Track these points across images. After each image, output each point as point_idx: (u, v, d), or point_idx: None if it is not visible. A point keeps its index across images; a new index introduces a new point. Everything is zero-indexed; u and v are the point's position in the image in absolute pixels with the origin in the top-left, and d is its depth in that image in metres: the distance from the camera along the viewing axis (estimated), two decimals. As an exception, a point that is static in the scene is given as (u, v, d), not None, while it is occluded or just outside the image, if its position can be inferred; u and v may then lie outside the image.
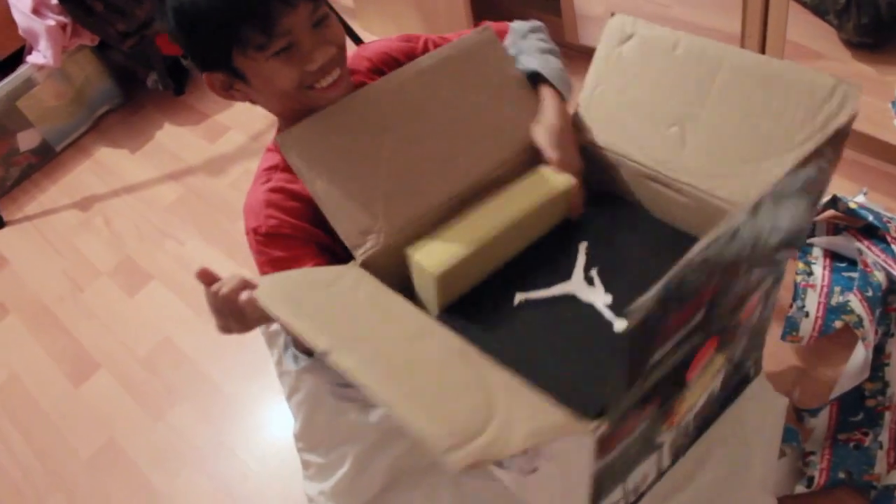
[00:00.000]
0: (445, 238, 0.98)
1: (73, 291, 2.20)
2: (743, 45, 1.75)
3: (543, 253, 1.05)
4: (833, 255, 1.57)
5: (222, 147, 2.51)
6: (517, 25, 1.22)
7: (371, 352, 0.77)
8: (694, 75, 1.00)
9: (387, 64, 1.18)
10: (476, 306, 1.00)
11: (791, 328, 1.45)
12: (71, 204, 2.53)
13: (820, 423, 1.36)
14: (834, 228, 1.61)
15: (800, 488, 1.29)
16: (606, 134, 1.10)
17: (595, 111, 1.11)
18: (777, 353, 1.45)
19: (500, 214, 1.00)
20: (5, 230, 2.53)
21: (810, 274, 1.55)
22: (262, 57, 0.95)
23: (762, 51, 1.72)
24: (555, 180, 1.03)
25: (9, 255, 2.43)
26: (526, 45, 1.17)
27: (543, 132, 1.07)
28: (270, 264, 1.05)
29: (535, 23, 1.23)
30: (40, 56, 2.47)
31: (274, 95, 1.04)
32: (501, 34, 1.20)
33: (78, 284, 2.22)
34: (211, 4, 0.91)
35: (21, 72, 2.55)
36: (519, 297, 0.99)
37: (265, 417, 1.76)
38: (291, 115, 1.05)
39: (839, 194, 1.58)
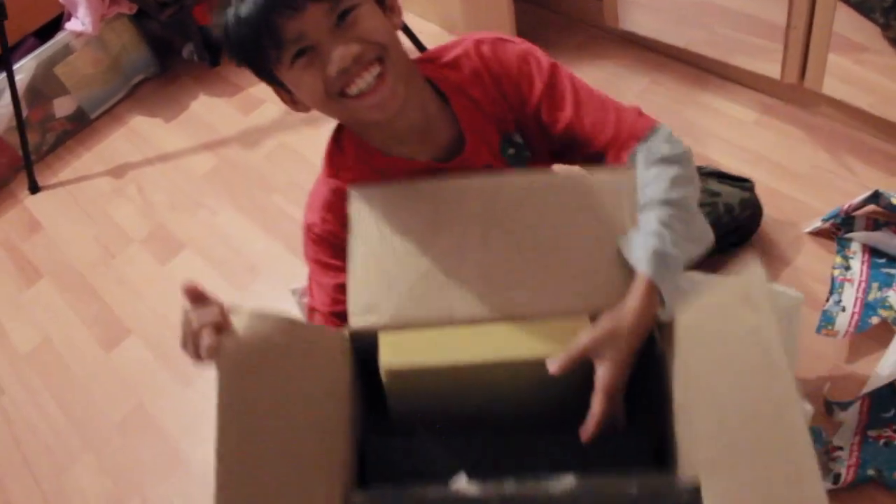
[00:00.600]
0: (429, 338, 0.93)
1: (106, 258, 2.22)
2: (787, 37, 1.72)
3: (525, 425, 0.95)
4: (872, 251, 1.55)
5: (257, 119, 2.51)
6: (648, 154, 1.01)
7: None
8: None
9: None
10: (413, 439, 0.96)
11: (827, 322, 1.44)
12: (105, 171, 2.55)
13: (850, 417, 1.35)
14: (874, 223, 1.59)
15: (826, 485, 1.29)
16: None
17: None
18: (812, 347, 1.44)
19: (494, 346, 0.92)
20: (40, 195, 2.56)
21: (848, 268, 1.54)
22: (284, 68, 0.92)
23: (807, 42, 1.70)
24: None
25: (43, 220, 2.46)
26: (651, 206, 0.97)
27: (589, 336, 0.90)
28: (315, 262, 1.10)
29: (677, 150, 1.02)
30: (78, 23, 2.48)
31: (316, 106, 0.99)
32: (629, 141, 1.02)
33: (110, 251, 2.24)
34: (235, 29, 0.90)
35: (59, 38, 2.57)
36: (457, 481, 0.88)
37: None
38: (352, 124, 1.06)
39: (881, 189, 1.56)
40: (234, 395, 0.79)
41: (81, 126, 2.74)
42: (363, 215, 1.00)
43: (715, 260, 1.50)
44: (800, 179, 1.77)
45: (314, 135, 2.29)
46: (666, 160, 1.00)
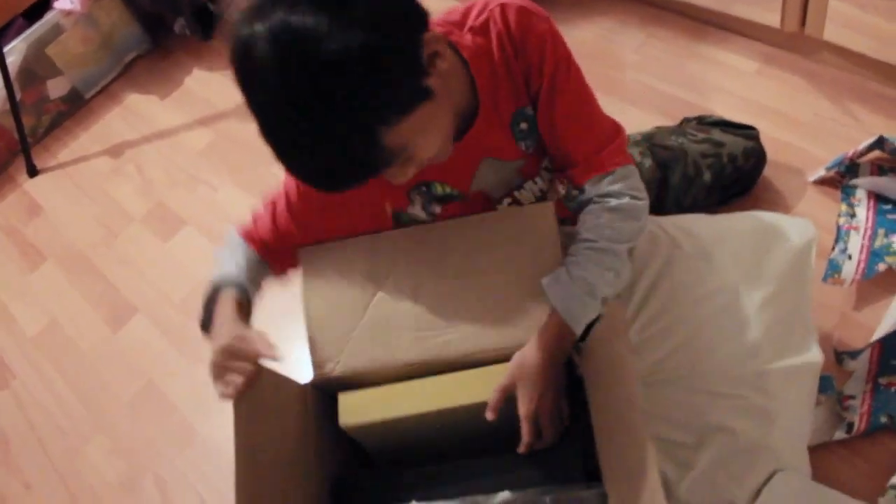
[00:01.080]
0: (379, 395, 1.09)
1: (108, 238, 2.22)
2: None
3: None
4: (877, 197, 1.54)
5: (252, 92, 2.48)
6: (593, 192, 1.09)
7: None
8: None
9: None
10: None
11: (833, 270, 1.43)
12: (102, 151, 2.53)
13: (860, 365, 1.34)
14: (879, 169, 1.58)
15: (839, 434, 1.29)
16: None
17: None
18: (819, 296, 1.42)
19: (444, 394, 1.07)
20: (38, 178, 2.55)
21: (853, 216, 1.52)
22: None
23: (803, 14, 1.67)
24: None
25: (43, 203, 2.45)
26: (585, 249, 1.06)
27: (506, 377, 1.03)
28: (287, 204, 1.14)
29: (631, 196, 1.08)
30: (67, 2, 2.45)
31: None
32: (595, 171, 1.08)
33: (112, 231, 2.23)
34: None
35: (48, 18, 2.54)
36: None
37: (307, 359, 1.78)
38: None
39: (886, 135, 1.53)
40: (244, 434, 0.98)
41: (76, 106, 2.72)
42: (312, 274, 1.15)
43: (717, 210, 1.49)
44: (803, 128, 1.75)
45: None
46: (614, 205, 1.07)
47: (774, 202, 1.63)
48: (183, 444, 1.73)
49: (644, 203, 1.09)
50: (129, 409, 1.83)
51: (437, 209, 1.15)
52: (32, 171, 2.54)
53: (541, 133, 1.09)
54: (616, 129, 1.11)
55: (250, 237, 1.16)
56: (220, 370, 0.96)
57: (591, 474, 1.02)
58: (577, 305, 1.02)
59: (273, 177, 2.10)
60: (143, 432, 1.79)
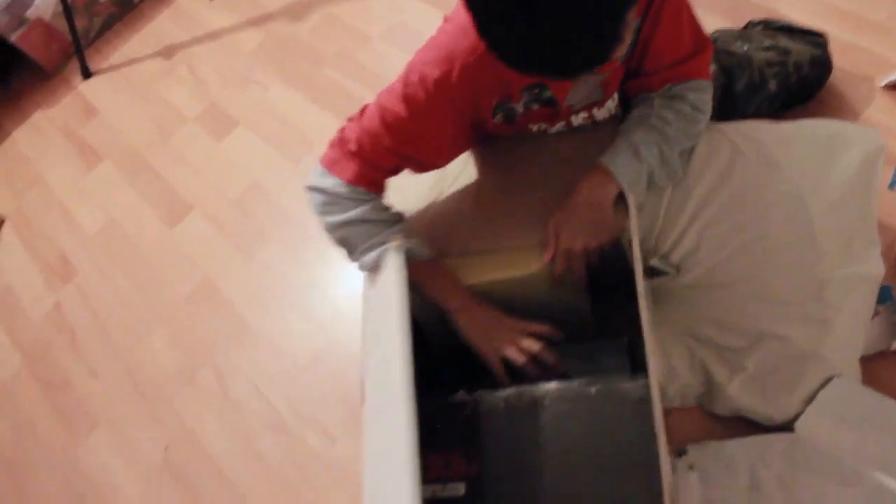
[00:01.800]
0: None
1: (162, 137, 2.24)
2: None
3: None
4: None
5: (301, -9, 2.45)
6: (663, 97, 1.14)
7: None
8: None
9: None
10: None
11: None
12: (154, 53, 2.54)
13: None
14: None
15: (896, 344, 1.26)
16: None
17: None
18: (883, 206, 1.37)
19: (500, 267, 1.17)
20: (92, 80, 2.57)
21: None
22: None
23: None
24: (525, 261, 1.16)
25: (98, 104, 2.48)
26: (633, 124, 1.14)
27: (551, 221, 1.15)
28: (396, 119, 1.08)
29: (702, 107, 1.14)
30: None
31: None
32: (678, 78, 1.13)
33: (166, 131, 2.25)
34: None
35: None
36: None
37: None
38: None
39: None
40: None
41: (127, 9, 2.71)
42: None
43: (781, 117, 1.43)
44: (875, 30, 1.65)
45: (360, 5, 2.22)
46: (677, 107, 1.12)
47: (841, 109, 1.56)
48: (239, 337, 1.78)
49: (704, 119, 1.14)
50: (187, 304, 1.88)
51: (535, 107, 1.15)
52: (86, 74, 2.56)
53: (638, 41, 1.08)
54: (706, 42, 1.11)
55: (364, 181, 1.13)
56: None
57: (637, 367, 1.04)
58: (621, 160, 1.11)
59: (322, 76, 2.11)
60: (201, 325, 1.84)
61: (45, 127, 2.52)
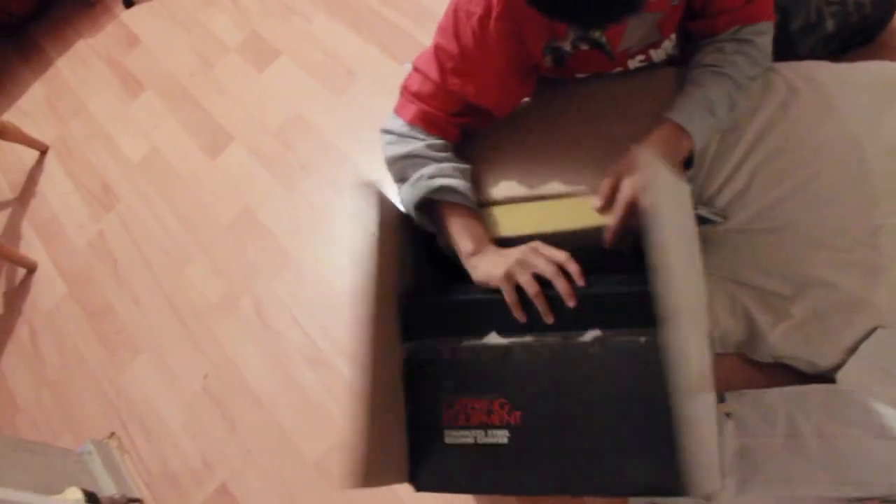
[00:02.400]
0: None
1: (204, 67, 2.22)
2: None
3: None
4: None
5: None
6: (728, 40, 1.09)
7: None
8: None
9: None
10: None
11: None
12: (195, -20, 2.50)
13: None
14: None
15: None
16: None
17: None
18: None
19: (554, 218, 1.09)
20: (134, 9, 2.55)
21: None
22: None
23: None
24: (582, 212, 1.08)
25: (140, 34, 2.46)
26: (706, 72, 1.09)
27: (615, 167, 1.05)
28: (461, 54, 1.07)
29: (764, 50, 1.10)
30: None
31: None
32: (742, 21, 1.08)
33: (208, 60, 2.23)
34: None
35: None
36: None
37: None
38: None
39: None
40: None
41: (170, -65, 2.66)
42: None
43: (838, 59, 1.36)
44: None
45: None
46: (744, 49, 1.07)
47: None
48: (279, 267, 1.78)
49: (767, 63, 1.11)
50: (228, 233, 1.88)
51: (584, 46, 1.10)
52: (128, 2, 2.54)
53: None
54: None
55: (423, 122, 1.14)
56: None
57: None
58: (697, 117, 1.04)
59: (365, 6, 2.06)
60: (241, 255, 1.84)
61: (87, 55, 2.51)
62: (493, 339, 1.03)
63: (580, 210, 1.08)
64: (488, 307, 1.05)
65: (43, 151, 2.36)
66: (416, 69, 1.14)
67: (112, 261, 2.03)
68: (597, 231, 1.05)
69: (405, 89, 1.15)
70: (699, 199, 1.20)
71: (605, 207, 1.04)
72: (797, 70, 1.20)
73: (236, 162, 1.99)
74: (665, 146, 1.04)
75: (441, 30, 1.08)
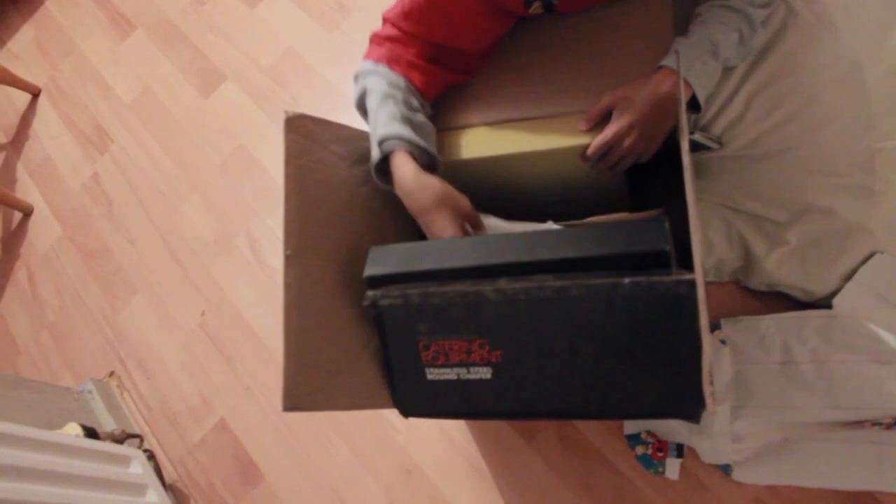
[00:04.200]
0: (475, 136, 1.12)
1: (195, 4, 2.18)
2: None
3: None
4: None
5: None
6: None
7: None
8: None
9: None
10: None
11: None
12: (185, -83, 2.44)
13: None
14: None
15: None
16: None
17: None
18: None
19: (542, 136, 1.07)
20: (124, -53, 2.49)
21: None
22: None
23: None
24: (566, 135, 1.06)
25: (130, -28, 2.41)
26: (714, 8, 1.04)
27: (609, 94, 1.02)
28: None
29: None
30: None
31: None
32: None
33: (199, -2, 2.19)
34: None
35: None
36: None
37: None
38: None
39: None
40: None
41: None
42: None
43: None
44: None
45: None
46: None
47: None
48: (273, 203, 1.77)
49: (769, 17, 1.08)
50: (221, 171, 1.87)
51: None
52: (118, -60, 2.48)
53: None
54: None
55: (389, 60, 1.10)
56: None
57: (683, 261, 0.93)
58: (698, 64, 1.00)
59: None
60: (235, 193, 1.82)
61: (77, -5, 2.47)
62: (464, 283, 0.96)
63: (563, 129, 1.06)
64: (456, 251, 0.98)
65: (35, 94, 2.33)
66: (384, 19, 1.11)
67: (107, 202, 2.01)
68: (577, 149, 1.05)
69: (374, 36, 1.12)
70: (695, 125, 1.17)
71: (592, 130, 1.03)
72: None
73: (229, 100, 1.96)
74: (661, 90, 0.99)
75: None
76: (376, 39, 1.11)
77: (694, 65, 1.00)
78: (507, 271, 0.94)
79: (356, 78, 1.11)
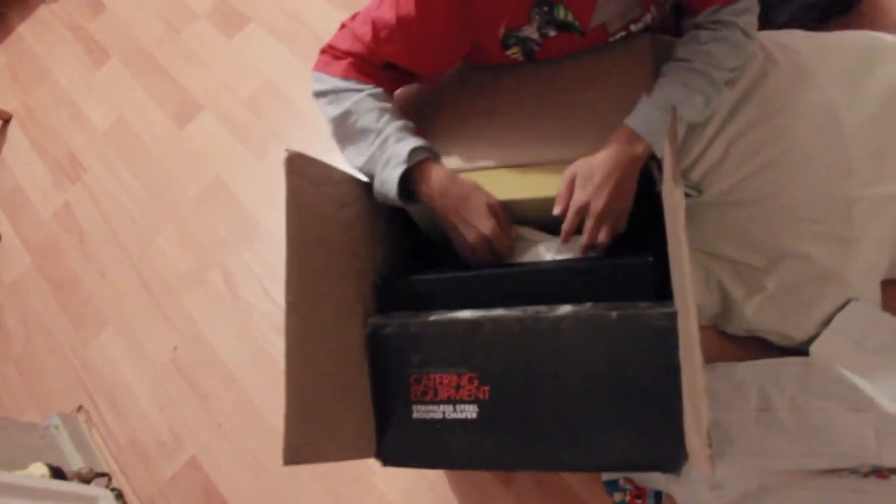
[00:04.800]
0: None
1: (171, 34, 2.16)
2: None
3: None
4: None
5: None
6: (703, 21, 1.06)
7: None
8: None
9: None
10: None
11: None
12: (163, -55, 2.43)
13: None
14: None
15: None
16: None
17: None
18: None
19: (522, 185, 1.07)
20: (100, -27, 2.47)
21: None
22: None
23: None
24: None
25: (105, 0, 2.39)
26: (678, 69, 1.04)
27: (571, 167, 1.03)
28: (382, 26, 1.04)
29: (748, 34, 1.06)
30: None
31: None
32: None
33: (175, 27, 2.17)
34: None
35: None
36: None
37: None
38: None
39: None
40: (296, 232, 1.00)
41: None
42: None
43: (817, 29, 1.35)
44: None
45: None
46: (723, 35, 1.03)
47: (882, 21, 1.47)
48: (248, 237, 1.75)
49: (752, 43, 1.07)
50: (197, 204, 1.85)
51: (552, 33, 1.07)
52: (94, -34, 2.46)
53: None
54: None
55: (357, 73, 1.10)
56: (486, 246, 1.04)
57: (663, 292, 0.95)
58: (655, 121, 1.00)
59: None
60: (211, 226, 1.81)
61: (51, 21, 2.44)
62: (462, 313, 1.01)
63: (547, 179, 1.06)
64: (458, 285, 1.04)
65: (6, 120, 2.30)
66: (345, 27, 1.10)
67: (78, 232, 1.98)
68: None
69: (331, 48, 1.11)
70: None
71: (565, 210, 1.03)
72: (775, 39, 1.17)
73: (206, 131, 1.94)
74: (619, 150, 1.00)
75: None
76: (334, 52, 1.10)
77: (651, 121, 1.00)
78: (504, 302, 0.99)
79: (322, 94, 1.10)
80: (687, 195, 1.18)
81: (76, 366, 1.81)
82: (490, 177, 1.08)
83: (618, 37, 1.11)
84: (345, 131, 1.09)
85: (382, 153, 1.05)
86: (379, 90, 1.09)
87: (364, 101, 1.07)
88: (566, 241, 1.05)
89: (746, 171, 1.13)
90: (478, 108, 1.16)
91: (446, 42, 1.06)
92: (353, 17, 1.10)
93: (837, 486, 1.10)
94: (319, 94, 1.11)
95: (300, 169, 0.99)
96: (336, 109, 1.08)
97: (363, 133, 1.07)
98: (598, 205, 1.00)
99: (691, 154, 1.15)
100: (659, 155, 1.01)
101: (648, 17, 1.10)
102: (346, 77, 1.08)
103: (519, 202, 1.06)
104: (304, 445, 0.91)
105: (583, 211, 1.01)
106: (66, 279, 1.93)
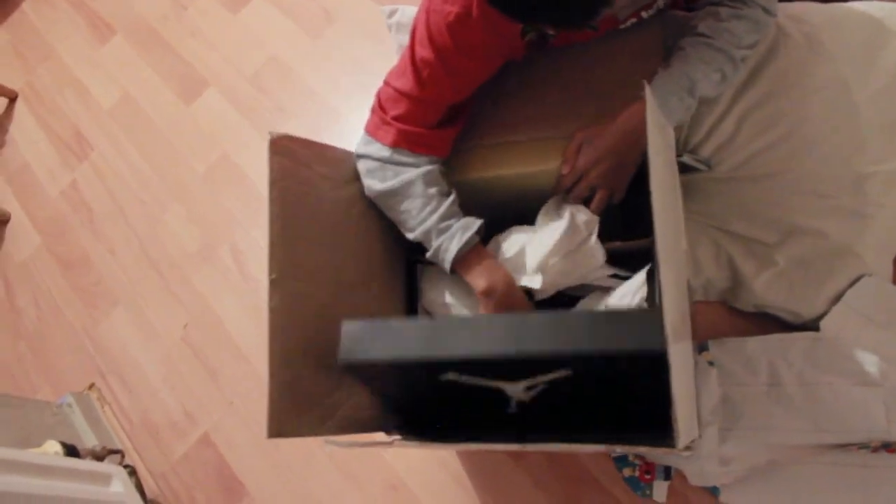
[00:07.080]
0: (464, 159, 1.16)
1: (177, 9, 2.14)
2: None
3: None
4: None
5: None
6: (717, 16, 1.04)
7: None
8: None
9: None
10: None
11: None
12: (166, -82, 2.40)
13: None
14: None
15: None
16: None
17: None
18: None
19: (526, 159, 1.11)
20: (103, -53, 2.45)
21: None
22: None
23: None
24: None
25: (109, -27, 2.36)
26: (698, 45, 1.03)
27: (581, 131, 1.07)
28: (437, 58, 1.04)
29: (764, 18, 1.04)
30: None
31: None
32: None
33: (180, 2, 2.15)
34: None
35: None
36: None
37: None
38: None
39: None
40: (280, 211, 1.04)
41: None
42: None
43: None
44: None
45: None
46: (744, 13, 1.02)
47: None
48: (256, 214, 1.75)
49: (773, 19, 1.05)
50: (204, 181, 1.84)
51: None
52: (97, -60, 2.44)
53: None
54: None
55: (407, 142, 1.09)
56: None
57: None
58: (674, 99, 1.01)
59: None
60: (219, 203, 1.80)
61: (54, -3, 2.42)
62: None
63: (550, 151, 1.10)
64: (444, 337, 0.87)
65: (12, 98, 2.29)
66: (389, 85, 1.08)
67: (87, 210, 1.98)
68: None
69: (380, 108, 1.10)
70: (684, 147, 1.17)
71: (569, 171, 1.07)
72: (787, 11, 1.15)
73: (212, 107, 1.93)
74: (632, 123, 1.03)
75: (414, 41, 1.04)
76: (383, 117, 1.09)
77: (669, 100, 1.00)
78: (494, 367, 0.84)
79: (367, 157, 1.10)
80: (698, 170, 1.17)
81: (87, 345, 1.82)
82: (509, 150, 1.12)
83: (629, 23, 1.11)
84: (391, 209, 1.11)
85: (432, 226, 1.07)
86: (432, 167, 1.09)
87: (416, 183, 1.08)
88: (558, 192, 1.10)
89: (758, 146, 1.12)
90: (493, 89, 1.17)
91: (483, 55, 1.05)
92: (392, 71, 1.09)
93: (847, 461, 1.10)
94: (363, 157, 1.11)
95: (287, 150, 1.02)
96: (381, 184, 1.09)
97: (407, 214, 1.09)
98: (594, 174, 1.05)
99: (703, 128, 1.14)
100: (672, 128, 1.02)
101: (661, 2, 1.10)
102: (394, 146, 1.08)
103: (533, 174, 1.10)
104: (290, 420, 0.92)
105: (580, 173, 1.06)
106: (75, 258, 1.94)
